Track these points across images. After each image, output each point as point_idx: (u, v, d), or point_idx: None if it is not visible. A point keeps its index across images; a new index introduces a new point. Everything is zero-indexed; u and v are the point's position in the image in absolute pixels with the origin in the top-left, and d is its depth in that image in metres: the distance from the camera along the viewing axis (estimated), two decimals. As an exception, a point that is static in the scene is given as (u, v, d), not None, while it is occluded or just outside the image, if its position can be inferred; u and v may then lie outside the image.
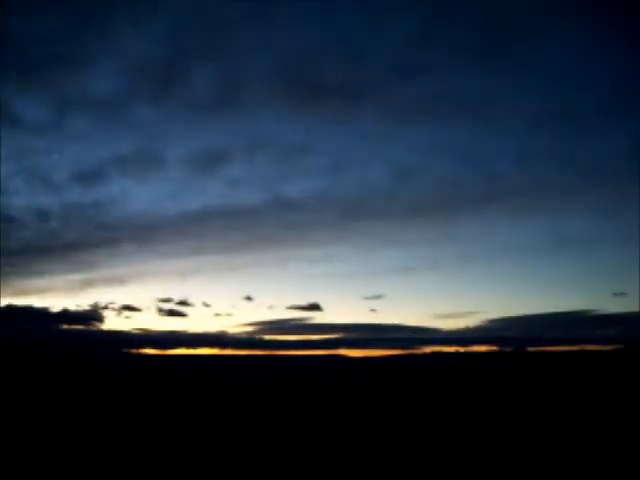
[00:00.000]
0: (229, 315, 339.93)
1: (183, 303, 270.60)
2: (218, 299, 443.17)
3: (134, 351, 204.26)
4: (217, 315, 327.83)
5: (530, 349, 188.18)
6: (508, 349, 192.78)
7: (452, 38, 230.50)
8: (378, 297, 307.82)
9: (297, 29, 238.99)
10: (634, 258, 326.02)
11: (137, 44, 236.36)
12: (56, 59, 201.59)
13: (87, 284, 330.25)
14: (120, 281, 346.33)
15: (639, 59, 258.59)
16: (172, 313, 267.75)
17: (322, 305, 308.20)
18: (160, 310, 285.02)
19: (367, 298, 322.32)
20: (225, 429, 20.47)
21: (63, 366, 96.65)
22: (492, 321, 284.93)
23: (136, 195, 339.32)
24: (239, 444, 17.29)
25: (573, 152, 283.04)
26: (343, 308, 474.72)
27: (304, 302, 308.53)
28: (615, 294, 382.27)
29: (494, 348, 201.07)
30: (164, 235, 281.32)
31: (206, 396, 36.49)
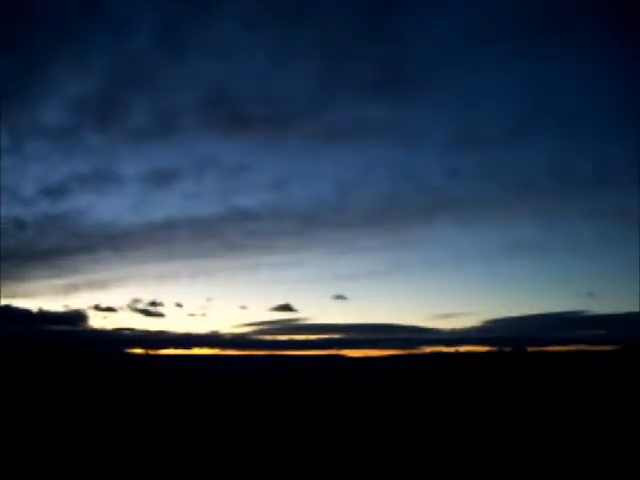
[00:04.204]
0: (203, 315, 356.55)
1: (163, 305, 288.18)
2: (195, 302, 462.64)
3: (127, 350, 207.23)
4: (191, 315, 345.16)
5: (530, 349, 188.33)
6: (508, 349, 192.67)
7: (354, 74, 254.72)
8: (346, 299, 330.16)
9: (215, 69, 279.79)
10: (590, 261, 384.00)
11: (77, 83, 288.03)
12: (10, 96, 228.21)
13: (68, 288, 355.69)
14: (99, 285, 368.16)
15: (552, 81, 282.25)
16: (152, 314, 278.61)
17: (296, 308, 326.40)
18: (141, 311, 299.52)
19: (335, 299, 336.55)
20: (226, 428, 20.49)
21: (61, 366, 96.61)
22: (491, 321, 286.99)
23: (101, 207, 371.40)
24: (241, 442, 17.30)
25: (498, 167, 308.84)
26: (316, 310, 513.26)
27: (276, 305, 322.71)
28: (577, 294, 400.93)
29: (494, 348, 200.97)
30: (136, 243, 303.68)
31: (207, 395, 36.50)
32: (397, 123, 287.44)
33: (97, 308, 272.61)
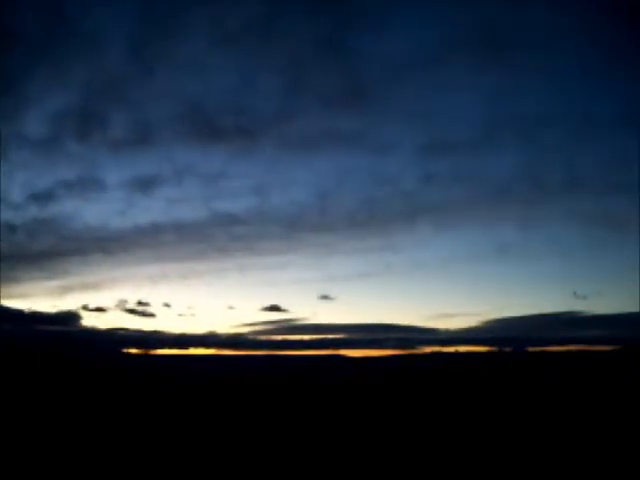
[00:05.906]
0: (192, 316, 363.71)
1: (150, 305, 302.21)
2: (185, 302, 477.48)
3: (125, 350, 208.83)
4: (181, 315, 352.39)
5: (530, 349, 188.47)
6: (508, 349, 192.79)
7: (321, 87, 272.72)
8: (333, 299, 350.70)
9: (188, 83, 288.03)
10: (582, 263, 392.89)
11: (57, 96, 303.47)
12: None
13: (60, 289, 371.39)
14: (91, 286, 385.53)
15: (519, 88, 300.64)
16: (142, 314, 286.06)
17: (285, 308, 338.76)
18: (131, 311, 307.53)
19: (322, 299, 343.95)
20: (228, 428, 20.36)
21: (59, 366, 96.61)
22: (491, 321, 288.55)
23: (88, 212, 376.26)
24: (243, 442, 17.16)
25: (470, 173, 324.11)
26: (305, 310, 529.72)
27: (265, 305, 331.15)
28: (574, 294, 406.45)
29: (494, 348, 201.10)
30: (125, 246, 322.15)
31: (207, 395, 36.42)
32: (367, 132, 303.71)
33: (86, 308, 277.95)
